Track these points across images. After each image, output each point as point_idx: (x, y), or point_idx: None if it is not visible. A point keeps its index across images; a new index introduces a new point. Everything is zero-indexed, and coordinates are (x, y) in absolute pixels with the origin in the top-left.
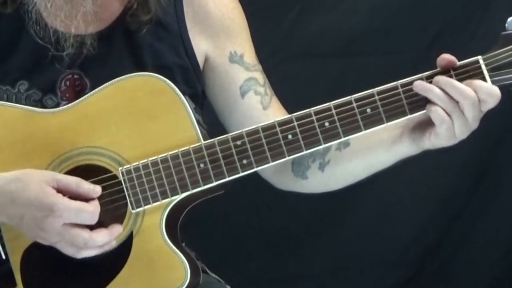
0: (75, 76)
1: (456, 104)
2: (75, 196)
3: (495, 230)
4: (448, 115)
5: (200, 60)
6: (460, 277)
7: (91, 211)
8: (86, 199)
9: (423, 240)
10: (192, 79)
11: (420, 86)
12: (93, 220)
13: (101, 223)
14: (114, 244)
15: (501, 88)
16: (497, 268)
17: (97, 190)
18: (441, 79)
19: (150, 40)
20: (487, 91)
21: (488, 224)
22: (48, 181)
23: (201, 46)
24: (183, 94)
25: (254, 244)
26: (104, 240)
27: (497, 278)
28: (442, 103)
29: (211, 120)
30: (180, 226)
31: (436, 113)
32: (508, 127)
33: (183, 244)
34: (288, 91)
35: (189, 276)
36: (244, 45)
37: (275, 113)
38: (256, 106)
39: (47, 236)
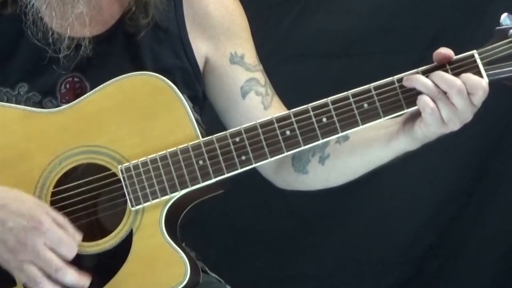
0: (75, 79)
1: (442, 92)
2: None
3: (495, 230)
4: (434, 102)
5: (200, 62)
6: (460, 277)
7: (73, 245)
8: None
9: (423, 240)
10: (192, 82)
11: (408, 80)
12: (70, 254)
13: (101, 222)
14: None
15: (496, 81)
16: (497, 268)
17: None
18: (432, 73)
19: (150, 43)
20: (472, 83)
21: (488, 224)
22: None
23: (201, 48)
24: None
25: (254, 244)
26: (72, 279)
27: (497, 278)
28: (427, 90)
29: (210, 119)
30: (180, 226)
31: (421, 99)
32: (508, 126)
33: (183, 244)
34: (287, 91)
35: (189, 273)
36: (244, 46)
37: (276, 113)
38: (257, 106)
39: (21, 250)
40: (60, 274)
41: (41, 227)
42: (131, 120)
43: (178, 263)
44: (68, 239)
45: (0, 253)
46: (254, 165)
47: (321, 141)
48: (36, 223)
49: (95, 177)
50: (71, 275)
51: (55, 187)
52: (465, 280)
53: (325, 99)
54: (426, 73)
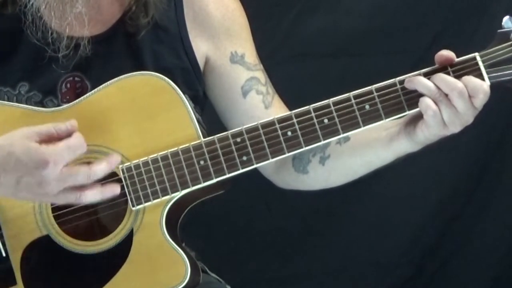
0: (76, 79)
1: (444, 94)
2: (57, 140)
3: (495, 230)
4: (436, 104)
5: (201, 61)
6: (460, 277)
7: (78, 141)
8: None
9: (423, 240)
10: (193, 81)
11: (410, 81)
12: (83, 147)
13: (102, 222)
14: (118, 189)
15: (498, 84)
16: (497, 268)
17: (72, 123)
18: (434, 75)
19: (150, 43)
20: (473, 85)
21: (488, 224)
22: (30, 137)
23: (201, 47)
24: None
25: (254, 244)
26: (104, 169)
27: (497, 278)
28: (429, 92)
29: (210, 119)
30: (180, 226)
31: (423, 101)
32: (508, 126)
33: (183, 244)
34: (288, 91)
35: (189, 273)
36: (245, 45)
37: (277, 112)
38: (258, 105)
39: (49, 189)
40: (92, 176)
41: (48, 162)
42: (132, 120)
43: (179, 263)
44: (73, 140)
45: (35, 198)
46: (255, 166)
47: (322, 142)
48: (42, 163)
49: None
50: (102, 167)
51: None
52: (465, 280)
53: (327, 100)
54: (427, 75)
